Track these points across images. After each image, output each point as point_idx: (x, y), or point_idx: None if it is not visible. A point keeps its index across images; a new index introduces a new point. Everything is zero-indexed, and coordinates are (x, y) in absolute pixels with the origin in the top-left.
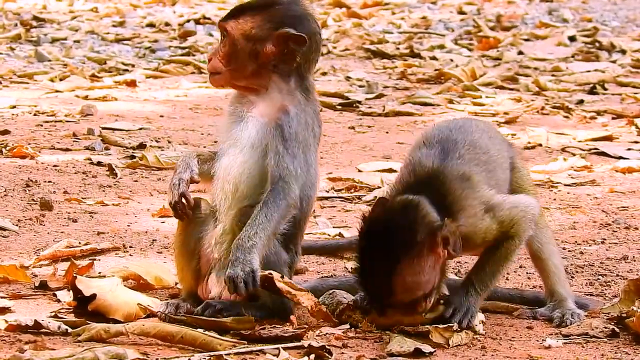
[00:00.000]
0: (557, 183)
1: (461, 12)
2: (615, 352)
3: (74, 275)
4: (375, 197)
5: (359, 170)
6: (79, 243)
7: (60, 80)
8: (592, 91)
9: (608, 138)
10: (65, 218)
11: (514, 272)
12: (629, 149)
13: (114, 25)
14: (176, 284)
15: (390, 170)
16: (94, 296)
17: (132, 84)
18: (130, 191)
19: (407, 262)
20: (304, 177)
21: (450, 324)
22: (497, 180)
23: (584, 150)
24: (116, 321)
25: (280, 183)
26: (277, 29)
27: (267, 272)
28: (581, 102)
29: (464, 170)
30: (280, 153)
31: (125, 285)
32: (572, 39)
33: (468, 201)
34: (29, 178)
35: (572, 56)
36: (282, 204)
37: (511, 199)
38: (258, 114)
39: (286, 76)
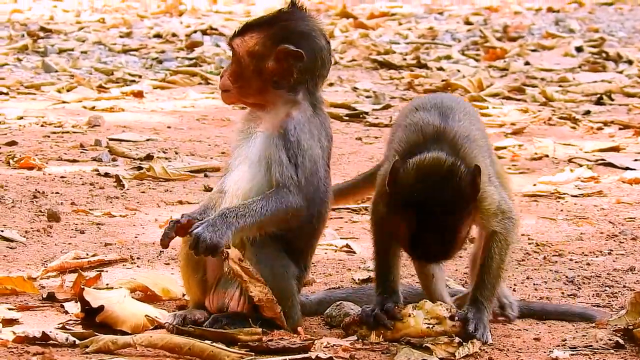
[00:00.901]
0: (564, 194)
1: (468, 23)
2: None
3: (82, 287)
4: None
5: None
6: (87, 254)
7: (68, 91)
8: (599, 102)
9: (615, 149)
10: (72, 229)
11: (521, 283)
12: (636, 160)
13: (121, 36)
14: (183, 295)
15: None
16: (101, 308)
17: (139, 94)
18: (138, 202)
19: (459, 219)
20: (311, 190)
21: (459, 338)
22: (486, 159)
23: (590, 161)
24: (124, 333)
25: (281, 188)
26: (277, 45)
27: (227, 249)
28: (588, 112)
29: (469, 132)
30: (283, 162)
31: (132, 297)
32: (579, 49)
33: (479, 160)
34: (36, 189)
35: (579, 67)
36: (279, 206)
37: (504, 193)
38: (264, 129)
39: (292, 91)
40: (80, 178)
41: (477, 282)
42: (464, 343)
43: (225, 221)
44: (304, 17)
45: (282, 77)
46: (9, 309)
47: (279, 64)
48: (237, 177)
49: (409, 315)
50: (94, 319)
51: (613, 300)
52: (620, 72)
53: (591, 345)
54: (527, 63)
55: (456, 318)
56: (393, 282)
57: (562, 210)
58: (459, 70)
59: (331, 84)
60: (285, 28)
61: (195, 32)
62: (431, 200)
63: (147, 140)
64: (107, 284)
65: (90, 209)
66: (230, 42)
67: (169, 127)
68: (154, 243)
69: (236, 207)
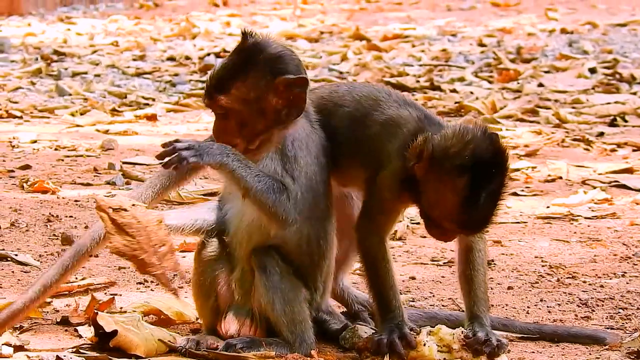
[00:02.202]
0: (578, 216)
1: (481, 45)
2: None
3: (95, 311)
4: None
5: None
6: (76, 278)
7: (81, 114)
8: (612, 123)
9: (629, 170)
10: None
11: (535, 305)
12: None
13: (134, 59)
14: (197, 318)
15: None
16: (115, 332)
17: (152, 118)
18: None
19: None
20: (306, 207)
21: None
22: None
23: (604, 183)
24: (137, 357)
25: (280, 184)
26: (273, 79)
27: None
28: (601, 134)
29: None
30: (279, 173)
31: (146, 321)
32: (592, 70)
33: None
34: (50, 213)
35: (593, 88)
36: (270, 193)
37: None
38: (263, 154)
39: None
40: (94, 202)
41: (471, 299)
42: None
43: (223, 147)
44: (268, 42)
45: (291, 106)
46: (23, 332)
47: (282, 96)
48: (239, 210)
49: (424, 344)
50: (108, 343)
51: (627, 323)
52: (634, 94)
53: None
54: (540, 85)
55: (462, 335)
56: (401, 305)
57: (575, 233)
58: (472, 92)
59: None
60: (266, 61)
61: (208, 54)
62: (490, 163)
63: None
64: (121, 308)
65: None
66: (213, 104)
67: None
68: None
69: (242, 156)
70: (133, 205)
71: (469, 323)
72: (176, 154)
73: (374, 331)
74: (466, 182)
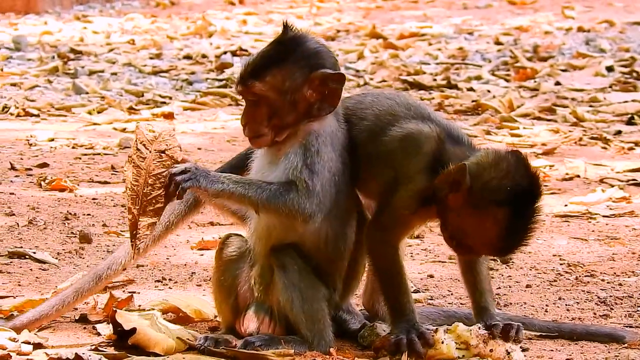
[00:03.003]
0: (596, 214)
1: (498, 43)
2: None
3: (114, 309)
4: None
5: None
6: None
7: (98, 112)
8: (630, 122)
9: None
10: (104, 251)
11: (553, 304)
12: None
13: (151, 58)
14: (215, 316)
15: None
16: (134, 330)
17: (169, 116)
18: None
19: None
20: (327, 202)
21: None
22: None
23: (622, 181)
24: (156, 355)
25: (289, 183)
26: (310, 72)
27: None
28: (619, 132)
29: None
30: (298, 166)
31: (164, 319)
32: (609, 69)
33: None
34: (67, 211)
35: (610, 86)
36: (278, 197)
37: None
38: (289, 148)
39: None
40: (112, 199)
41: (478, 293)
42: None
43: (218, 175)
44: (307, 36)
45: (324, 101)
46: (42, 330)
47: (317, 90)
48: None
49: (442, 342)
50: (127, 341)
51: None
52: None
53: None
54: (557, 83)
55: (481, 330)
56: (414, 309)
57: (593, 231)
58: (489, 91)
59: None
60: (305, 54)
61: (225, 53)
62: (528, 192)
63: None
64: (139, 306)
65: (122, 231)
66: (248, 89)
67: (199, 149)
68: (185, 264)
69: (236, 176)
70: (162, 150)
71: (478, 318)
72: (172, 183)
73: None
74: (506, 213)
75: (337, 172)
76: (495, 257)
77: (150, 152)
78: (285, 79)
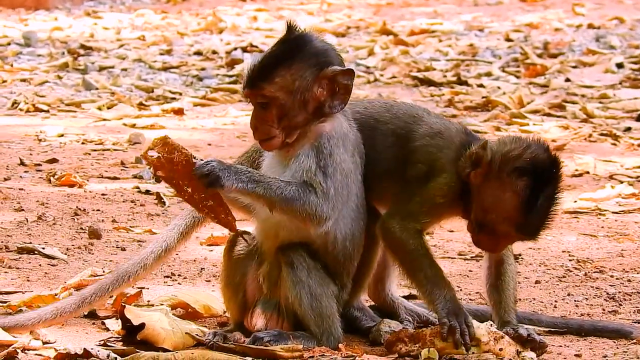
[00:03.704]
0: (605, 211)
1: (508, 40)
2: None
3: (123, 304)
4: None
5: None
6: (103, 272)
7: (108, 108)
8: (639, 118)
9: None
10: (113, 247)
11: (562, 299)
12: None
13: (161, 54)
14: (224, 312)
15: None
16: (142, 325)
17: (179, 112)
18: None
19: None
20: (339, 203)
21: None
22: None
23: (631, 177)
24: (165, 350)
25: (306, 185)
26: (319, 71)
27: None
28: (629, 129)
29: None
30: (312, 169)
31: (173, 314)
32: (619, 65)
33: None
34: (77, 207)
35: (620, 83)
36: (296, 198)
37: None
38: (298, 151)
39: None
40: (121, 195)
41: (502, 308)
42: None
43: (239, 173)
44: (312, 35)
45: (336, 99)
46: (51, 326)
47: (327, 88)
48: None
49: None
50: (135, 337)
51: None
52: None
53: None
54: (567, 80)
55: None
56: (449, 281)
57: (603, 227)
58: (499, 87)
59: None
60: (313, 52)
61: (235, 49)
62: (548, 167)
63: None
64: (148, 301)
65: (131, 226)
66: (256, 92)
67: (209, 145)
68: (194, 260)
69: (256, 173)
70: (172, 157)
71: (504, 329)
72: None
73: (402, 326)
74: (527, 183)
75: (350, 172)
76: (519, 238)
77: (167, 165)
78: (295, 79)
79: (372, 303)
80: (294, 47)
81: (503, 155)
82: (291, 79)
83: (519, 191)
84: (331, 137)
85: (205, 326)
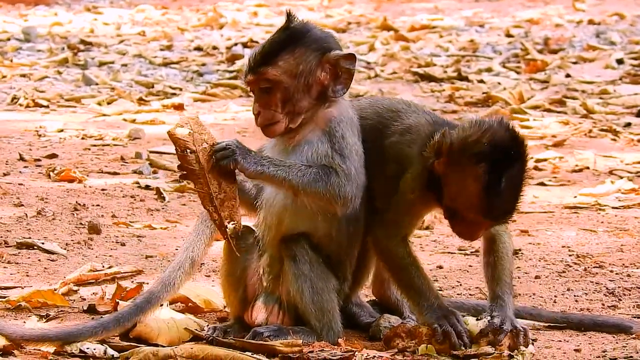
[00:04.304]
0: (605, 206)
1: (509, 35)
2: None
3: (117, 301)
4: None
5: None
6: (103, 267)
7: (108, 103)
8: (639, 114)
9: None
10: (113, 242)
11: (562, 294)
12: None
13: (161, 49)
14: (224, 307)
15: None
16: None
17: (179, 107)
18: (178, 215)
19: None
20: (361, 185)
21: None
22: None
23: (631, 172)
24: (163, 345)
25: (327, 167)
26: (322, 55)
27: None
28: (629, 124)
29: None
30: (329, 154)
31: (173, 309)
32: (619, 61)
33: None
34: (77, 202)
35: (620, 79)
36: (318, 180)
37: None
38: (306, 137)
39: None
40: (121, 190)
41: (495, 281)
42: (514, 356)
43: (259, 157)
44: (311, 24)
45: (338, 83)
46: (49, 321)
47: (330, 72)
48: (271, 193)
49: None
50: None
51: None
52: None
53: (631, 357)
54: (567, 75)
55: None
56: (437, 291)
57: (602, 222)
58: (499, 83)
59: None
60: (314, 38)
61: (235, 44)
62: (508, 148)
63: None
64: None
65: (130, 222)
66: (257, 78)
67: None
68: None
69: (275, 158)
70: (203, 144)
71: (491, 305)
72: (213, 160)
73: (402, 321)
74: (486, 168)
75: (362, 155)
76: (489, 223)
77: (194, 151)
78: (299, 63)
79: (371, 299)
80: (296, 34)
81: (462, 141)
82: (295, 63)
83: (479, 176)
84: (341, 121)
85: (206, 322)
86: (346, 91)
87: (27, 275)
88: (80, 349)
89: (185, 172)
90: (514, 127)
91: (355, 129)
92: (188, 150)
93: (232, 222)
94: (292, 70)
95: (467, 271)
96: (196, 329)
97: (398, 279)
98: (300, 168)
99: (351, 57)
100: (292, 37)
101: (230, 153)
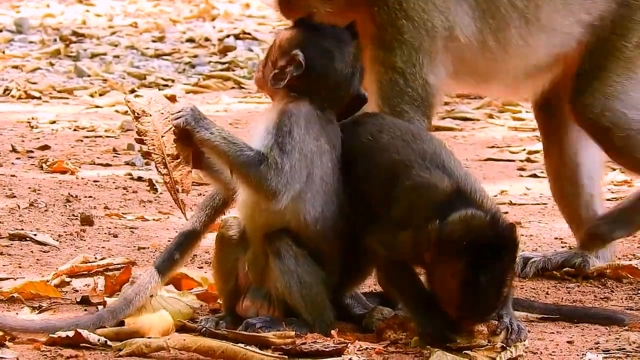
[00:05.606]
0: None
1: None
2: None
3: (105, 298)
4: None
5: None
6: (95, 258)
7: (100, 95)
8: None
9: None
10: (105, 233)
11: (554, 287)
12: None
13: (153, 41)
14: (217, 300)
15: None
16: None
17: (172, 99)
18: (171, 206)
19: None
20: (295, 185)
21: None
22: None
23: None
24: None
25: (260, 153)
26: (295, 48)
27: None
28: None
29: None
30: (269, 144)
31: (168, 291)
32: None
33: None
34: (69, 193)
35: None
36: (245, 162)
37: None
38: (264, 119)
39: (296, 92)
40: (114, 182)
41: None
42: (506, 347)
43: (212, 125)
44: (333, 35)
45: (278, 75)
46: (43, 312)
47: (284, 64)
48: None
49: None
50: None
51: None
52: None
53: (624, 348)
54: None
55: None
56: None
57: None
58: None
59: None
60: (313, 37)
61: (228, 36)
62: (489, 248)
63: None
64: None
65: (123, 213)
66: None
67: None
68: None
69: (227, 132)
70: (160, 109)
71: None
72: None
73: (395, 313)
74: (463, 266)
75: (311, 153)
76: (467, 321)
77: (151, 115)
78: (287, 40)
79: (367, 291)
80: (312, 28)
81: (447, 236)
82: (286, 37)
83: (457, 273)
84: (291, 116)
85: (197, 314)
86: (278, 85)
87: (20, 267)
88: (77, 331)
89: (140, 137)
90: (505, 225)
91: (314, 128)
92: (144, 114)
93: (182, 186)
94: (281, 41)
95: None
96: (188, 322)
97: (395, 291)
98: (242, 148)
99: (298, 64)
100: (307, 26)
101: (184, 114)
